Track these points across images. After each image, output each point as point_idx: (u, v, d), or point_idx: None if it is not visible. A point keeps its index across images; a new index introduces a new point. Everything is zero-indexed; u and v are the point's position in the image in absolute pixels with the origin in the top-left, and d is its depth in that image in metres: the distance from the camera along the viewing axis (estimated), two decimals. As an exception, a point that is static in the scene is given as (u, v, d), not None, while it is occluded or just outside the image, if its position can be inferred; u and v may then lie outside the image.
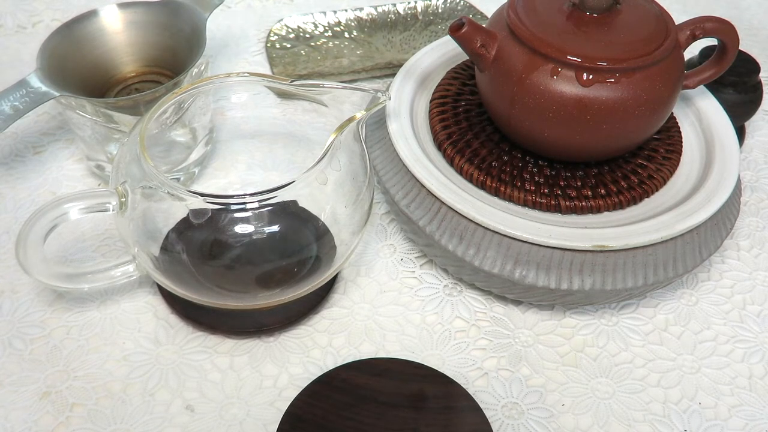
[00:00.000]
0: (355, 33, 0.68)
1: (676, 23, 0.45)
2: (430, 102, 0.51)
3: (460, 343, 0.45)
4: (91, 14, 0.53)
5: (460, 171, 0.46)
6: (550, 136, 0.44)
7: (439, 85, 0.52)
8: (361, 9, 0.70)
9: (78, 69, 0.52)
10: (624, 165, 0.47)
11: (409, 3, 0.71)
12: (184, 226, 0.41)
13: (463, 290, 0.48)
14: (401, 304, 0.47)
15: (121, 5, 0.54)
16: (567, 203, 0.44)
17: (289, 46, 0.66)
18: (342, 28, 0.69)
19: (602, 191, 0.45)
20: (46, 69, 0.48)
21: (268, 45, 0.66)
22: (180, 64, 0.52)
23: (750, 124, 0.61)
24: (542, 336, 0.46)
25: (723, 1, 0.77)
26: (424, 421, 0.39)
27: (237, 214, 0.40)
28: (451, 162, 0.47)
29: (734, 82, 0.54)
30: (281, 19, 0.68)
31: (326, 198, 0.42)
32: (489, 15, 0.66)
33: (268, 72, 0.64)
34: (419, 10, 0.71)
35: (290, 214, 0.41)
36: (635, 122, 0.43)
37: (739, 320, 0.47)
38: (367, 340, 0.45)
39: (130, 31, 0.54)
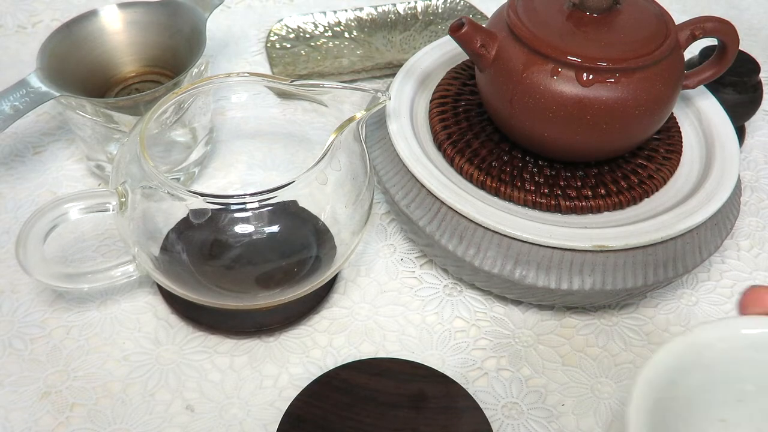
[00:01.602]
0: (355, 33, 0.68)
1: (676, 23, 0.45)
2: (430, 102, 0.51)
3: (460, 343, 0.45)
4: (91, 14, 0.53)
5: (460, 171, 0.46)
6: (550, 136, 0.44)
7: (439, 85, 0.52)
8: (361, 9, 0.70)
9: (78, 69, 0.52)
10: (624, 165, 0.47)
11: (409, 3, 0.71)
12: (184, 226, 0.41)
13: (463, 290, 0.48)
14: (401, 304, 0.47)
15: (121, 5, 0.54)
16: (567, 203, 0.44)
17: (289, 46, 0.66)
18: (342, 28, 0.69)
19: (602, 191, 0.45)
20: (46, 69, 0.48)
21: (268, 45, 0.66)
22: (180, 64, 0.52)
23: (750, 124, 0.61)
24: (542, 336, 0.46)
25: (723, 1, 0.77)
26: (424, 421, 0.39)
27: (237, 214, 0.40)
28: (451, 162, 0.47)
29: (734, 82, 0.54)
30: (281, 19, 0.68)
31: (326, 198, 0.42)
32: (489, 15, 0.66)
33: (268, 72, 0.64)
34: (419, 10, 0.71)
35: (290, 214, 0.41)
36: (635, 122, 0.43)
37: (739, 320, 0.47)
38: (367, 340, 0.45)
39: (130, 31, 0.54)
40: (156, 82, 0.55)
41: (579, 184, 0.45)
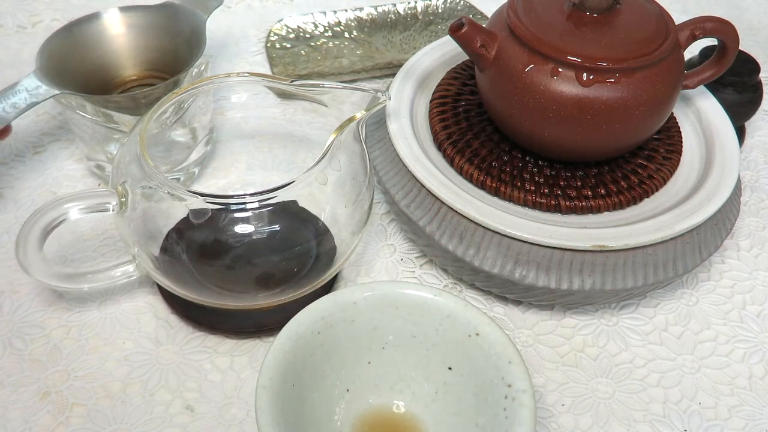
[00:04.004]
0: (355, 33, 0.68)
1: (676, 23, 0.45)
2: (430, 102, 0.51)
3: (460, 343, 0.45)
4: (93, 17, 0.53)
5: (460, 171, 0.46)
6: (550, 135, 0.44)
7: (439, 85, 0.52)
8: (361, 9, 0.70)
9: (78, 71, 0.52)
10: (624, 165, 0.47)
11: (409, 3, 0.71)
12: (184, 226, 0.41)
13: (463, 290, 0.48)
14: (401, 304, 0.47)
15: (123, 9, 0.54)
16: (567, 203, 0.44)
17: (289, 46, 0.66)
18: (342, 28, 0.69)
19: (602, 191, 0.45)
20: (45, 69, 0.48)
21: (268, 45, 0.66)
22: (180, 67, 0.52)
23: (750, 124, 0.61)
24: (542, 336, 0.46)
25: (723, 1, 0.77)
26: None
27: (237, 214, 0.40)
28: (451, 162, 0.47)
29: (734, 82, 0.54)
30: (281, 19, 0.68)
31: (326, 198, 0.42)
32: (489, 15, 0.66)
33: (268, 72, 0.64)
34: (419, 10, 0.71)
35: (290, 214, 0.41)
36: (635, 122, 0.43)
37: (739, 320, 0.47)
38: (367, 340, 0.45)
39: (130, 34, 0.54)
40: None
41: (579, 184, 0.45)
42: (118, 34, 0.54)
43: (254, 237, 0.40)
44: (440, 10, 0.71)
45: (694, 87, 0.49)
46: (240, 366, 0.43)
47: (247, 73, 0.46)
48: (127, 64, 0.55)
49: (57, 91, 0.47)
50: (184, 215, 0.41)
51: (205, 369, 0.43)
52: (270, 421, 0.32)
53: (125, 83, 0.55)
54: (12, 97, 0.47)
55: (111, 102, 0.49)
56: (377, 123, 0.50)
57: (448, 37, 0.51)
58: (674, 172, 0.47)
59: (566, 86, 0.42)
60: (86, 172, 0.54)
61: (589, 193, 0.45)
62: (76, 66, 0.52)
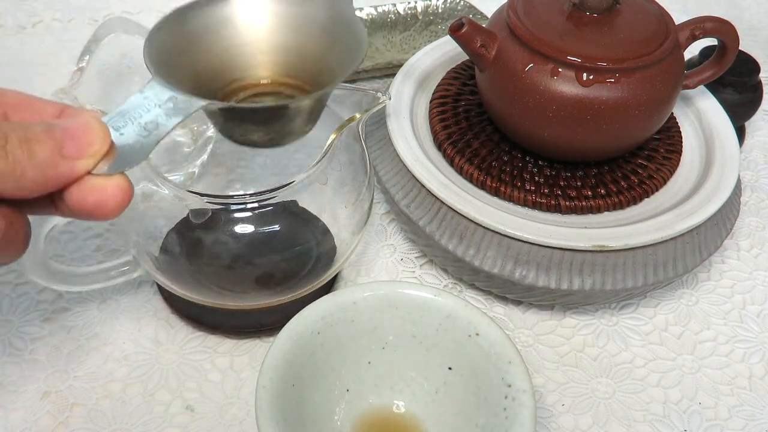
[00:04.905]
0: (355, 33, 0.68)
1: (676, 23, 0.45)
2: (430, 102, 0.51)
3: (460, 343, 0.45)
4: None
5: (460, 171, 0.46)
6: (550, 135, 0.44)
7: (439, 85, 0.52)
8: (361, 9, 0.70)
9: (188, 69, 0.35)
10: (624, 165, 0.47)
11: (409, 3, 0.71)
12: (184, 226, 0.41)
13: (463, 290, 0.48)
14: (401, 304, 0.47)
15: None
16: (567, 203, 0.44)
17: (289, 46, 0.66)
18: (342, 28, 0.68)
19: (602, 191, 0.45)
20: (156, 68, 0.32)
21: (268, 45, 0.66)
22: (330, 73, 0.37)
23: (750, 124, 0.61)
24: (542, 336, 0.46)
25: (723, 1, 0.77)
26: None
27: (237, 214, 0.40)
28: (451, 162, 0.47)
29: (734, 82, 0.54)
30: (281, 19, 0.68)
31: (326, 198, 0.42)
32: (489, 15, 0.66)
33: (268, 72, 0.64)
34: (419, 10, 0.71)
35: (290, 214, 0.41)
36: (635, 122, 0.43)
37: (739, 320, 0.47)
38: (367, 340, 0.45)
39: (266, 23, 0.37)
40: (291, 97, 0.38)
41: (579, 184, 0.45)
42: (249, 22, 0.37)
43: (254, 237, 0.40)
44: (440, 10, 0.71)
45: (694, 87, 0.49)
46: (240, 366, 0.43)
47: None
48: (254, 63, 0.37)
49: (203, 102, 0.31)
50: (184, 215, 0.41)
51: (205, 369, 0.43)
52: (270, 421, 0.32)
53: (253, 86, 0.38)
54: (143, 114, 0.31)
55: (235, 116, 0.34)
56: (377, 123, 0.50)
57: (448, 37, 0.51)
58: (674, 172, 0.47)
59: (566, 86, 0.42)
60: (86, 172, 0.54)
61: (589, 193, 0.45)
62: (186, 63, 0.35)
